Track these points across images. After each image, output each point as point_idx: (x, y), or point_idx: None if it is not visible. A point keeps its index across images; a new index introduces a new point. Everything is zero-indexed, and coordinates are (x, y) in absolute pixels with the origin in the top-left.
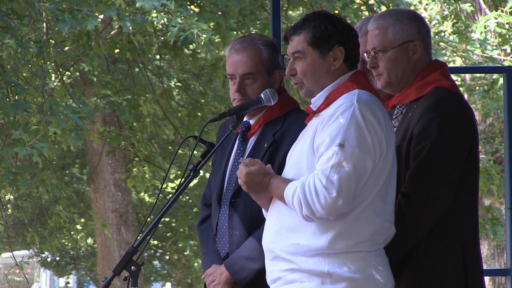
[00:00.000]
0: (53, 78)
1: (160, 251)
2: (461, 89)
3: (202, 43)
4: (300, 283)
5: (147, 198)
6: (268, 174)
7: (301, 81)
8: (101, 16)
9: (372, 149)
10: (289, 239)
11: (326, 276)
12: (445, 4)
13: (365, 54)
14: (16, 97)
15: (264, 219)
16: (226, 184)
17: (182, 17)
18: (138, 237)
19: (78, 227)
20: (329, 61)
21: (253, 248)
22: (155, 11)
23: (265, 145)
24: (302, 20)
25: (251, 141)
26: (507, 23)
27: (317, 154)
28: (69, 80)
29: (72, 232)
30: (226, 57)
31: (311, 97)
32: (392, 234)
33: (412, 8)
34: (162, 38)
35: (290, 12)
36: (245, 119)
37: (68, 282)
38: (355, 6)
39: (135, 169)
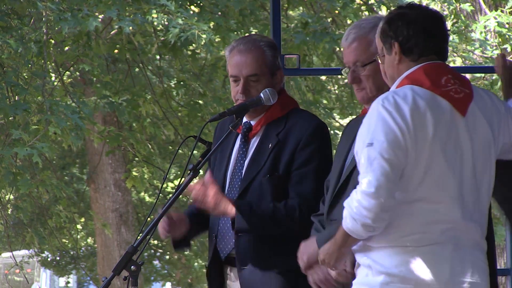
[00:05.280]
0: (53, 78)
1: (160, 251)
2: None
3: (203, 43)
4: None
5: (147, 198)
6: (334, 242)
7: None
8: (101, 16)
9: (403, 142)
10: None
11: (368, 268)
12: (445, 4)
13: None
14: (16, 97)
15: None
16: (228, 185)
17: (183, 18)
18: (138, 237)
19: (78, 227)
20: (393, 56)
21: None
22: (155, 11)
23: (270, 145)
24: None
25: (253, 141)
26: (507, 23)
27: (358, 159)
28: (69, 80)
29: (72, 232)
30: (228, 58)
31: None
32: (458, 228)
33: None
34: (162, 38)
35: (290, 12)
36: (245, 119)
37: (68, 282)
38: (355, 6)
39: (134, 169)
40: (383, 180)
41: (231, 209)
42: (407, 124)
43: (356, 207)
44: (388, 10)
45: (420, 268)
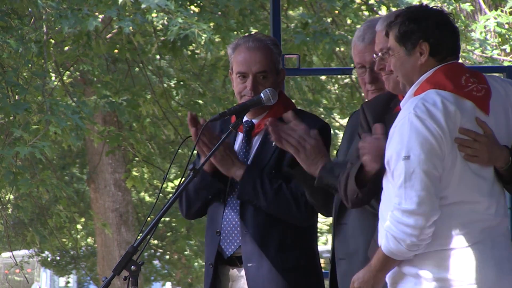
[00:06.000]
0: (53, 78)
1: (160, 250)
2: None
3: (203, 42)
4: (398, 285)
5: (147, 198)
6: (369, 269)
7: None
8: (101, 16)
9: (438, 149)
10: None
11: (417, 277)
12: (445, 4)
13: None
14: (17, 97)
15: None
16: (230, 183)
17: (183, 17)
18: (138, 237)
19: (79, 226)
20: (416, 56)
21: None
22: (155, 10)
23: (274, 143)
24: (395, 15)
25: (256, 140)
26: (507, 23)
27: (390, 169)
28: (69, 80)
29: (72, 232)
30: (232, 55)
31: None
32: (492, 225)
33: None
34: (162, 38)
35: (290, 12)
36: (246, 118)
37: (68, 282)
38: (355, 6)
39: (134, 169)
40: (424, 194)
41: (239, 170)
42: (442, 130)
43: (398, 227)
44: (388, 10)
45: (468, 269)
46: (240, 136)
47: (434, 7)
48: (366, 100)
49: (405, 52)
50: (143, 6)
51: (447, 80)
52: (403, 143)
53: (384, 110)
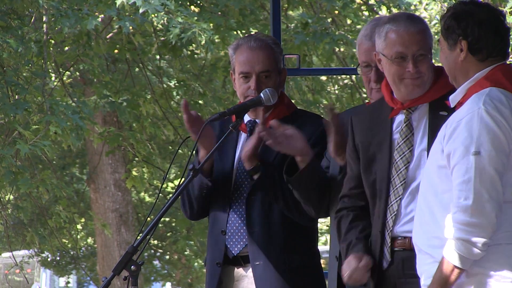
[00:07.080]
0: (53, 78)
1: (160, 251)
2: None
3: (203, 42)
4: None
5: (147, 198)
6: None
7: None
8: (101, 16)
9: (507, 146)
10: (428, 232)
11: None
12: (445, 4)
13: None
14: (16, 97)
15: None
16: (234, 182)
17: (183, 16)
18: (138, 237)
19: (79, 227)
20: (456, 52)
21: None
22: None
23: None
24: (448, 7)
25: None
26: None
27: (451, 164)
28: (69, 80)
29: (72, 232)
30: (233, 56)
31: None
32: None
33: (412, 8)
34: (162, 38)
35: (290, 12)
36: (249, 118)
37: (68, 282)
38: (355, 6)
39: (134, 169)
40: (494, 192)
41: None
42: (511, 127)
43: (468, 228)
44: (388, 10)
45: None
46: (243, 136)
47: (484, 3)
48: (367, 100)
49: (447, 47)
50: (141, 10)
51: (506, 80)
52: (473, 138)
53: (371, 122)
